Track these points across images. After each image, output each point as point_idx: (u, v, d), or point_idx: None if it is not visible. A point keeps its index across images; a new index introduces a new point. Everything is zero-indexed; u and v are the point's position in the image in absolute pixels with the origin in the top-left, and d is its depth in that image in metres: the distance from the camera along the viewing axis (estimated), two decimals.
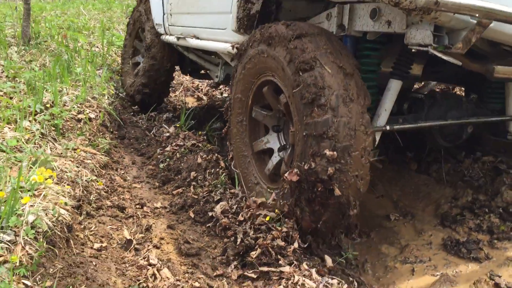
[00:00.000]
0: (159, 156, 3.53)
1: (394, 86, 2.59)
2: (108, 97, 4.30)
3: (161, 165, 3.40)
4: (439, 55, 2.06)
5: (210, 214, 2.69)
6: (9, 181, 2.19)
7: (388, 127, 2.53)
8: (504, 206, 2.90)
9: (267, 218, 2.34)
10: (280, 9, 2.98)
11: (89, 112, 3.70)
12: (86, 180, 2.69)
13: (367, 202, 3.05)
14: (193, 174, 3.06)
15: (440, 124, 2.90)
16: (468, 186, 3.18)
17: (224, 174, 3.03)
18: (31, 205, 1.93)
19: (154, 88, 4.77)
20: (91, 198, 2.59)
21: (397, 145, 3.97)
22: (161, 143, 3.81)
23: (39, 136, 3.03)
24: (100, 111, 3.81)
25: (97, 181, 2.79)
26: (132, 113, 4.70)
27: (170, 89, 5.28)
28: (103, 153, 3.31)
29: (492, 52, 2.59)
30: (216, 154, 3.33)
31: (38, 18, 8.01)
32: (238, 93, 2.89)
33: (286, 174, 2.30)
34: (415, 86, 3.88)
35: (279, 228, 2.28)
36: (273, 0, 2.94)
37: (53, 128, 3.23)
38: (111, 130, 3.90)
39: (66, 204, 2.17)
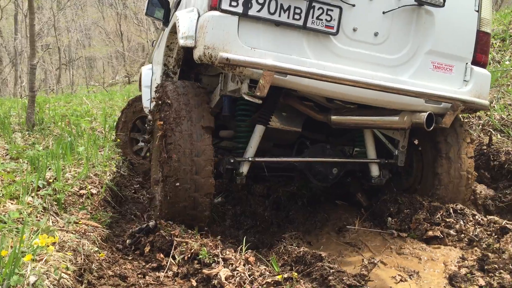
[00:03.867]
0: None
1: (258, 129, 3.46)
2: (109, 174, 4.34)
3: None
4: (249, 98, 2.95)
5: (213, 282, 2.63)
6: (11, 248, 2.17)
7: (250, 159, 3.39)
8: None
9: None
10: (201, 82, 3.93)
11: (91, 187, 3.73)
12: (87, 250, 2.66)
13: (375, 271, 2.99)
14: None
15: (288, 160, 3.74)
16: (475, 246, 3.15)
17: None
18: (33, 267, 1.91)
19: None
20: (92, 267, 2.55)
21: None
22: None
23: (41, 210, 3.04)
24: (102, 187, 3.84)
25: (99, 253, 2.75)
26: (133, 191, 4.72)
27: None
28: (105, 227, 3.29)
29: (332, 106, 3.45)
30: None
31: (42, 108, 8.28)
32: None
33: None
34: None
35: None
36: (192, 76, 3.94)
37: (55, 203, 3.23)
38: (113, 205, 3.90)
39: (67, 268, 2.14)
